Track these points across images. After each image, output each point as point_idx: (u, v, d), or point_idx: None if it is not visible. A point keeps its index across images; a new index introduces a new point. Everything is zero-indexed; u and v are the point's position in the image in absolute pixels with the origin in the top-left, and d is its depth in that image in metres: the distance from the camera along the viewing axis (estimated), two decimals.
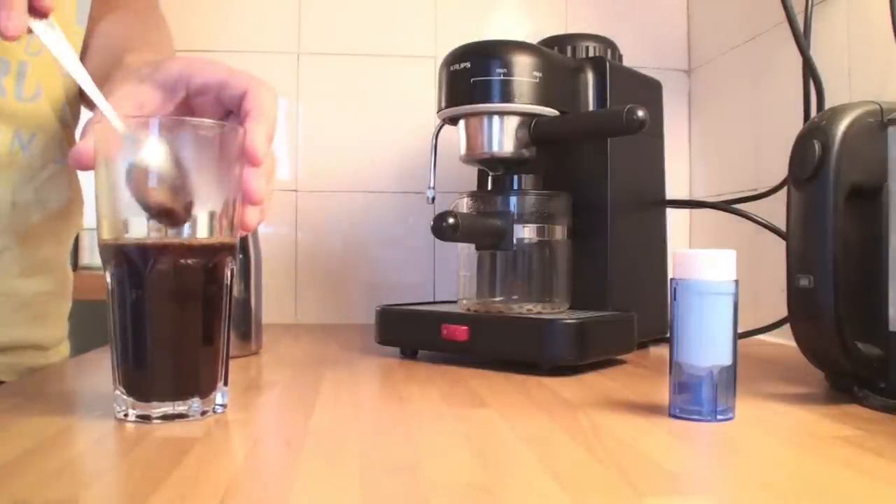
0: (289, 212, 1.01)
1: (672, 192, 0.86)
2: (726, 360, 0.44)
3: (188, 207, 0.43)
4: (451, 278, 0.81)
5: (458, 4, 1.04)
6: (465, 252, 0.71)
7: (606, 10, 1.05)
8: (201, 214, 0.44)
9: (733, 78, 0.95)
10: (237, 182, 0.45)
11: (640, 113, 0.61)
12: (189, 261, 0.43)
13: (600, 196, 0.72)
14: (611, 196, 0.71)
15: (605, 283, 0.71)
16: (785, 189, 0.54)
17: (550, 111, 0.69)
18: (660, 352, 0.75)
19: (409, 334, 0.70)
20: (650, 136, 0.78)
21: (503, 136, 0.69)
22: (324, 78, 1.02)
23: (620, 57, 0.79)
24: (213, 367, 0.45)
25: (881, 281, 0.49)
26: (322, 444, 0.40)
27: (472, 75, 0.68)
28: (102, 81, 0.53)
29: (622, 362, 0.67)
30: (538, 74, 0.68)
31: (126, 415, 0.43)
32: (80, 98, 0.66)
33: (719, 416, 0.44)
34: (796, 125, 0.61)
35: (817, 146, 0.49)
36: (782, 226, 0.57)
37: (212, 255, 0.44)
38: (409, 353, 0.70)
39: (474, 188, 0.81)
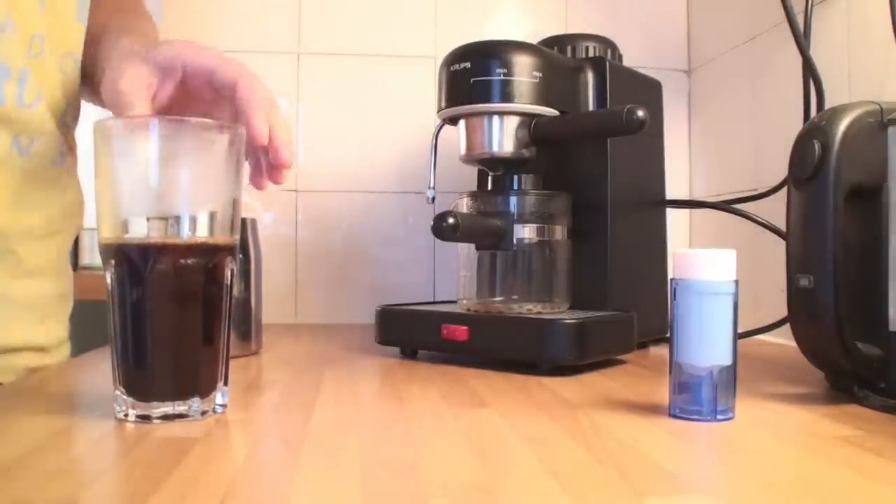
0: (289, 212, 1.01)
1: (672, 192, 0.86)
2: (726, 360, 0.44)
3: None
4: (451, 278, 0.80)
5: (458, 4, 1.04)
6: (465, 252, 0.71)
7: (606, 11, 1.05)
8: (201, 214, 0.44)
9: (733, 78, 0.95)
10: (237, 182, 0.45)
11: (640, 113, 0.61)
12: (189, 261, 0.43)
13: (600, 196, 0.72)
14: (611, 196, 0.72)
15: (605, 283, 0.71)
16: (785, 189, 0.54)
17: (550, 111, 0.69)
18: (660, 352, 0.75)
19: (409, 334, 0.70)
20: (650, 136, 0.78)
21: (503, 136, 0.69)
22: (324, 78, 1.02)
23: (620, 57, 0.79)
24: (213, 367, 0.45)
25: (881, 281, 0.49)
26: (322, 443, 0.40)
27: (472, 75, 0.68)
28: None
29: (622, 362, 0.67)
30: (538, 74, 0.68)
31: (126, 415, 0.43)
32: (81, 93, 0.65)
33: (719, 416, 0.44)
34: (796, 125, 0.61)
35: (817, 146, 0.49)
36: (782, 226, 0.57)
37: (212, 255, 0.44)
38: (409, 353, 0.70)
39: (474, 188, 0.81)
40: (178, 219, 0.43)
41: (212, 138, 0.45)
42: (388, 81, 1.02)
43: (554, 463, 0.36)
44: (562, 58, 0.74)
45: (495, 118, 0.69)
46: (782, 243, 0.55)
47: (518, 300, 0.68)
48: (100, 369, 0.58)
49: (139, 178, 0.44)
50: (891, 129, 0.49)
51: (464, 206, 0.71)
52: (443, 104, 0.71)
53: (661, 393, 0.51)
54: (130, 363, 0.43)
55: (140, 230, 0.43)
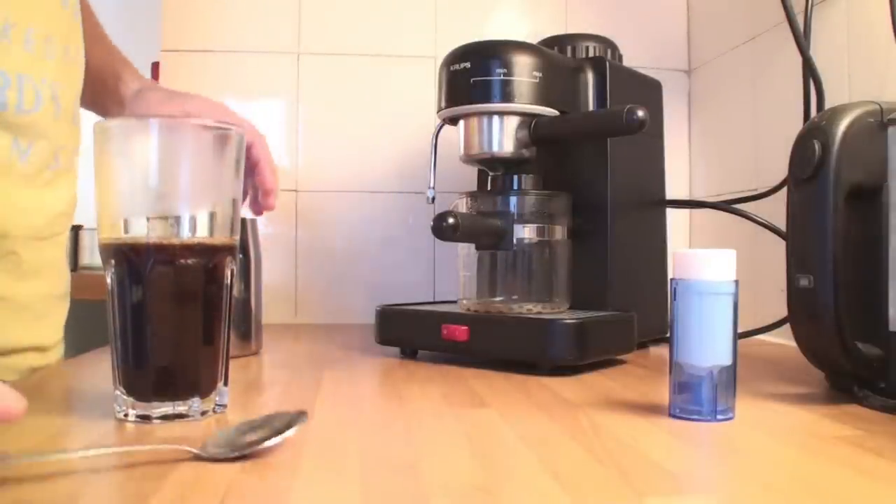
0: (289, 212, 1.01)
1: (672, 192, 0.86)
2: (726, 360, 0.44)
3: None
4: (451, 278, 0.80)
5: (458, 4, 1.03)
6: (465, 252, 0.71)
7: (606, 11, 1.05)
8: (201, 214, 0.44)
9: (733, 78, 0.95)
10: (237, 182, 0.45)
11: (640, 113, 0.61)
12: (189, 261, 0.43)
13: (600, 196, 0.72)
14: (611, 196, 0.71)
15: (605, 283, 0.71)
16: (785, 189, 0.54)
17: (550, 111, 0.69)
18: (660, 352, 0.75)
19: (409, 334, 0.70)
20: (650, 136, 0.78)
21: (503, 136, 0.69)
22: (324, 78, 1.02)
23: (620, 57, 0.79)
24: (213, 367, 0.45)
25: (881, 281, 0.49)
26: (322, 443, 0.40)
27: (472, 75, 0.68)
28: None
29: (622, 362, 0.67)
30: (538, 74, 0.68)
31: (126, 415, 0.43)
32: (81, 100, 0.66)
33: (719, 416, 0.44)
34: (796, 125, 0.61)
35: (817, 146, 0.49)
36: (782, 226, 0.57)
37: (212, 255, 0.44)
38: (409, 353, 0.70)
39: (474, 188, 0.81)
40: (177, 219, 0.43)
41: (211, 139, 0.45)
42: (388, 81, 1.02)
43: (554, 463, 0.36)
44: (562, 58, 0.74)
45: (495, 118, 0.69)
46: (782, 243, 0.55)
47: (518, 300, 0.68)
48: (99, 369, 0.58)
49: (139, 179, 0.44)
50: (891, 129, 0.49)
51: (464, 206, 0.70)
52: (443, 104, 0.71)
53: (661, 393, 0.51)
54: (130, 363, 0.43)
55: (140, 230, 0.43)
